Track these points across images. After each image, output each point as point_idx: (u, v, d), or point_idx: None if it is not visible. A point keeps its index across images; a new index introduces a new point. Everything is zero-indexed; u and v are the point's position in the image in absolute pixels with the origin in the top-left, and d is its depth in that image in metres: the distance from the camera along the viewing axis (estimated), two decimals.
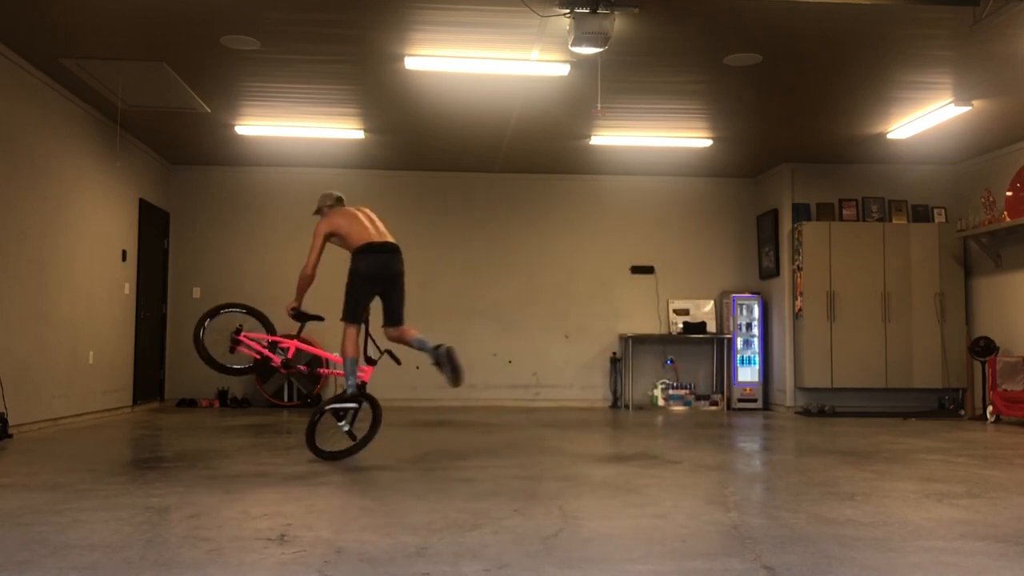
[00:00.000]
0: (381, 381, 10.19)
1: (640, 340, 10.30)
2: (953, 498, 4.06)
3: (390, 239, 5.47)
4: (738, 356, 10.19)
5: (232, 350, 5.51)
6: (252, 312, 5.68)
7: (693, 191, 10.67)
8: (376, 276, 5.33)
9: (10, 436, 6.29)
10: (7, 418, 6.28)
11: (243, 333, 5.49)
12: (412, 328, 5.47)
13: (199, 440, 6.33)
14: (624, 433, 7.28)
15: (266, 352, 5.53)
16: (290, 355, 5.67)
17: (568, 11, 5.35)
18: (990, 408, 8.58)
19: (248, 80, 7.03)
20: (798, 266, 9.68)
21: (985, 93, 7.17)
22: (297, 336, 5.68)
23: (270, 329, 5.68)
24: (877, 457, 5.62)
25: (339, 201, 5.75)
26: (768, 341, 10.30)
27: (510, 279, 10.49)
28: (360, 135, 8.67)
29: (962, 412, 9.30)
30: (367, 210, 5.70)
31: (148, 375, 9.49)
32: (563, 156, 9.64)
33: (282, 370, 5.64)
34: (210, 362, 5.48)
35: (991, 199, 8.90)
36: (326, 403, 5.36)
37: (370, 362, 5.48)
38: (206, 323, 5.53)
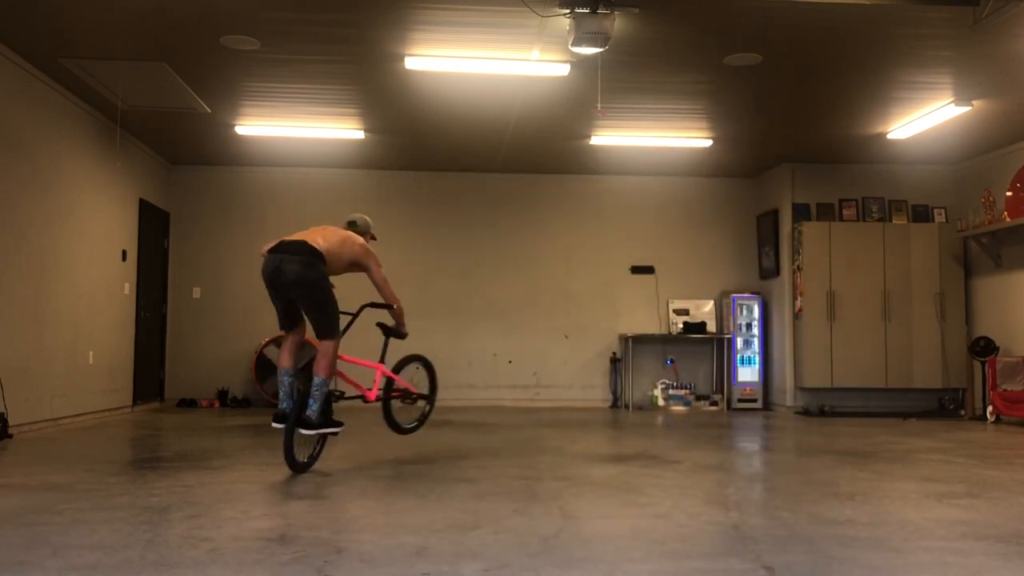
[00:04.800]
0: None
1: (640, 340, 10.30)
2: (953, 498, 4.06)
3: (298, 239, 4.70)
4: (738, 356, 10.20)
5: None
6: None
7: (693, 191, 10.67)
8: (270, 282, 4.67)
9: (10, 436, 6.30)
10: (7, 418, 6.28)
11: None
12: (325, 359, 4.73)
13: (199, 440, 6.33)
14: (624, 433, 7.27)
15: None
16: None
17: (568, 11, 5.35)
18: (990, 408, 8.58)
19: (248, 80, 7.03)
20: (798, 266, 9.68)
21: (985, 93, 7.17)
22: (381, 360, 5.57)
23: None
24: (877, 457, 5.62)
25: (349, 224, 5.24)
26: (768, 341, 10.30)
27: (510, 279, 10.49)
28: (360, 135, 8.67)
29: (962, 412, 9.30)
30: (346, 236, 4.95)
31: (148, 375, 9.49)
32: (563, 156, 9.64)
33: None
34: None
35: (991, 199, 8.90)
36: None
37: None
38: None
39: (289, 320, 4.81)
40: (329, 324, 4.75)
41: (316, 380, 4.69)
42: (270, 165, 10.18)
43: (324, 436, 4.97)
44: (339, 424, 4.86)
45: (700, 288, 10.62)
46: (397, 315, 5.20)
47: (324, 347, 4.74)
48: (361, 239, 5.03)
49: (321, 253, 4.68)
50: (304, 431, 4.65)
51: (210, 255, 10.21)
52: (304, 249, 4.64)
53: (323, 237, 4.81)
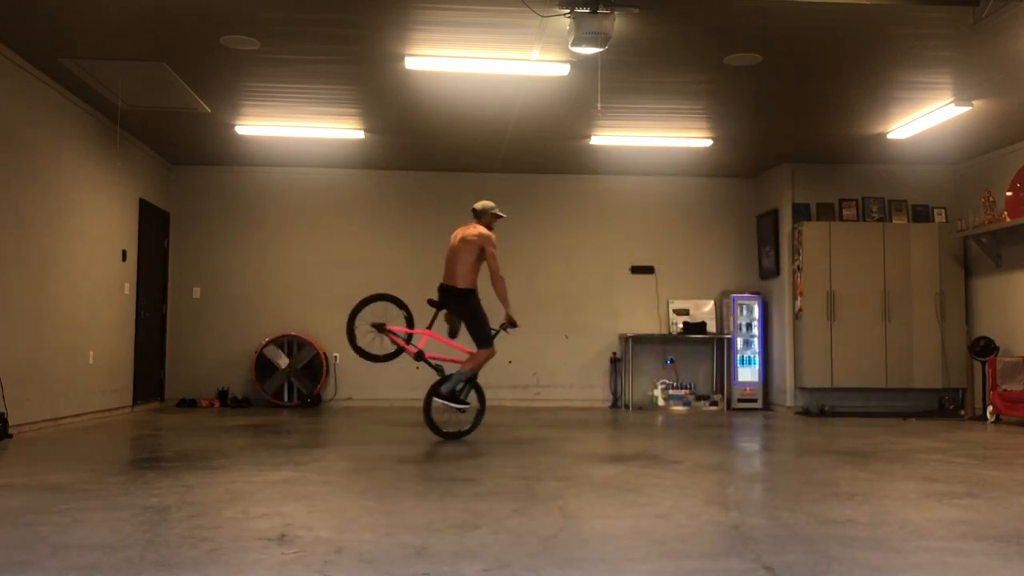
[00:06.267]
0: (384, 380, 10.23)
1: (640, 340, 10.30)
2: (953, 498, 4.06)
3: (450, 282, 6.49)
4: (738, 356, 10.20)
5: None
6: (397, 303, 6.52)
7: (693, 191, 10.67)
8: (445, 313, 6.65)
9: (10, 436, 6.30)
10: (7, 418, 6.28)
11: (391, 328, 6.43)
12: (483, 360, 6.42)
13: (199, 440, 6.33)
14: (624, 433, 7.27)
15: (404, 344, 6.46)
16: (421, 345, 6.53)
17: (568, 11, 5.35)
18: (990, 408, 8.58)
19: (248, 80, 7.03)
20: (798, 266, 9.68)
21: (985, 93, 7.17)
22: (429, 327, 6.66)
23: (410, 321, 6.61)
24: (877, 457, 5.62)
25: (472, 212, 6.71)
26: (768, 341, 10.30)
27: (510, 279, 10.37)
28: (360, 135, 8.67)
29: (962, 412, 9.30)
30: (462, 238, 6.51)
31: (148, 375, 9.50)
32: (563, 156, 9.64)
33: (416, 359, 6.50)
34: (358, 351, 6.40)
35: (991, 199, 8.90)
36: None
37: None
38: (357, 315, 6.38)
39: (452, 333, 6.70)
40: (483, 338, 6.40)
41: (461, 370, 6.33)
42: (270, 165, 10.18)
43: (478, 419, 6.57)
44: (465, 404, 6.40)
45: (700, 288, 10.62)
46: (501, 297, 6.45)
47: (479, 352, 6.39)
48: (480, 229, 6.50)
49: (466, 289, 6.43)
50: (436, 399, 6.30)
51: (210, 255, 10.22)
52: (455, 293, 6.45)
53: (460, 265, 6.44)
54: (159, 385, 9.89)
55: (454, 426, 6.48)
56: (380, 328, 6.38)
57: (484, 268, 6.52)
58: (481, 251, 6.43)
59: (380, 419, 8.33)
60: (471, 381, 6.44)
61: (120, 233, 8.71)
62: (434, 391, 6.32)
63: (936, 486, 4.42)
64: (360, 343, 6.41)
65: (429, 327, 6.63)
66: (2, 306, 6.44)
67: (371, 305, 6.43)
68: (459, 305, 6.44)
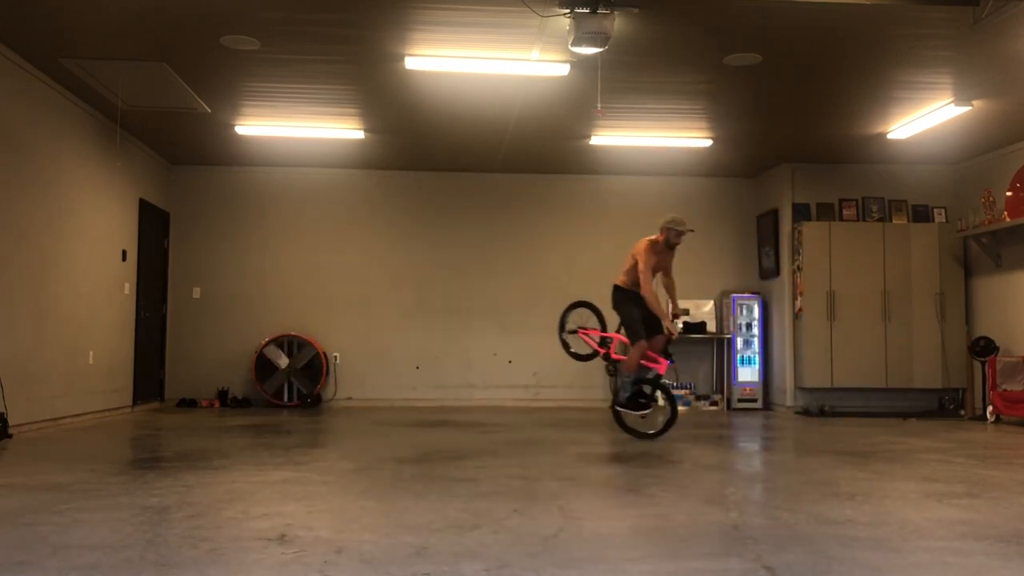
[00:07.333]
0: (384, 380, 10.24)
1: None
2: (953, 498, 4.06)
3: (616, 280, 6.76)
4: (738, 356, 10.19)
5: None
6: (592, 308, 7.03)
7: (693, 191, 10.66)
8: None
9: (10, 436, 6.30)
10: (7, 418, 6.28)
11: (582, 330, 6.92)
12: (633, 357, 6.46)
13: (199, 440, 6.33)
14: (624, 433, 7.27)
15: (596, 346, 6.86)
16: (612, 348, 6.84)
17: (568, 11, 5.35)
18: (990, 408, 8.58)
19: (248, 80, 7.03)
20: (798, 266, 9.68)
21: (985, 93, 7.17)
22: (618, 331, 6.86)
23: (603, 324, 6.98)
24: (877, 457, 5.62)
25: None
26: (768, 341, 10.30)
27: (510, 279, 10.49)
28: (360, 135, 8.67)
29: (962, 412, 9.30)
30: (636, 245, 6.77)
31: (148, 375, 9.49)
32: (563, 156, 9.64)
33: (604, 360, 6.89)
34: (564, 345, 6.95)
35: (991, 199, 8.90)
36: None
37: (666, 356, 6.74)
38: (566, 319, 6.96)
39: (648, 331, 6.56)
40: (630, 333, 6.51)
41: (621, 374, 6.60)
42: (270, 165, 10.18)
43: (669, 422, 6.55)
44: (644, 407, 6.56)
45: (700, 288, 10.61)
46: (650, 305, 6.46)
47: (631, 352, 6.47)
48: (641, 244, 6.66)
49: (619, 285, 6.69)
50: (618, 407, 6.61)
51: (210, 255, 10.21)
52: (614, 288, 6.71)
53: (623, 266, 6.73)
54: (159, 385, 9.89)
55: (646, 427, 6.66)
56: (573, 332, 6.95)
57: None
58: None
59: (380, 419, 8.32)
60: (655, 383, 6.61)
61: (120, 233, 8.71)
62: (614, 401, 6.70)
63: (936, 486, 4.42)
64: (566, 337, 6.96)
65: (618, 331, 6.87)
66: (2, 306, 6.44)
67: (578, 309, 7.03)
68: (612, 301, 6.74)
